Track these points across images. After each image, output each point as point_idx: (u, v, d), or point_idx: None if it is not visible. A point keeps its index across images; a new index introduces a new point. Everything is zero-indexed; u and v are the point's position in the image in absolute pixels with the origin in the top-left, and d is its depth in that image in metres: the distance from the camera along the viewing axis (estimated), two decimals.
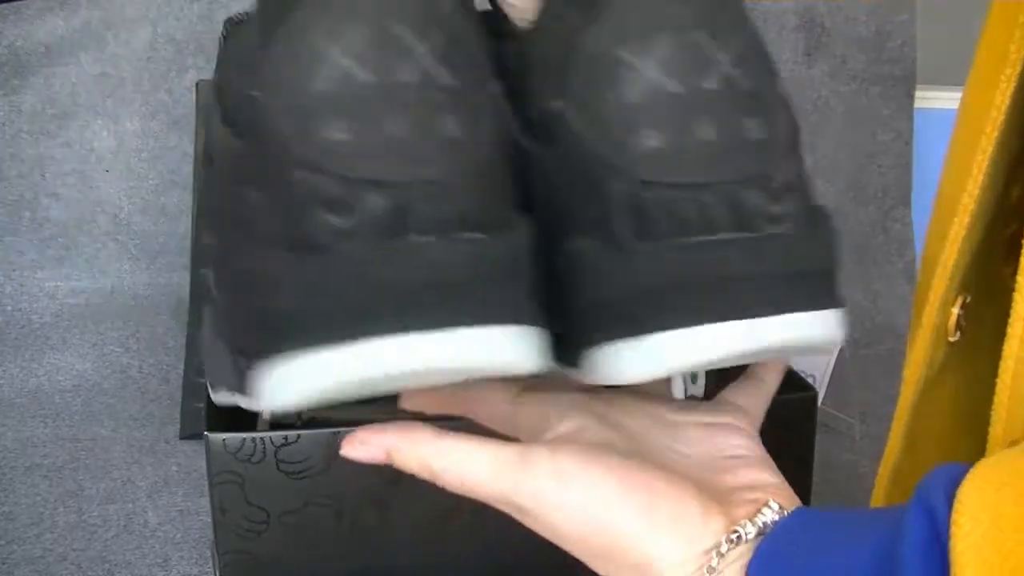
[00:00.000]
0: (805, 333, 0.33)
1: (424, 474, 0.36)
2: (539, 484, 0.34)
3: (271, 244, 0.31)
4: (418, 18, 0.31)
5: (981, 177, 0.38)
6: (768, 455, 0.38)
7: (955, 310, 0.40)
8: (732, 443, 0.38)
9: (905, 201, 1.16)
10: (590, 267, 0.34)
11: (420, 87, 0.31)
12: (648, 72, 0.33)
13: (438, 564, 0.64)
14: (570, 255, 0.35)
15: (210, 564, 0.69)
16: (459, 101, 0.31)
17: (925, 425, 0.43)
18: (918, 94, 1.15)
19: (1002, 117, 0.37)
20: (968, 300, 0.41)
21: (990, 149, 0.38)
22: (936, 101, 1.15)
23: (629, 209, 0.33)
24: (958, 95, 0.43)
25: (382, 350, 0.30)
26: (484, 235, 0.31)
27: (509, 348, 0.31)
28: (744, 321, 0.33)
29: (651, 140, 0.33)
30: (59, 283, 1.03)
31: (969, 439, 0.41)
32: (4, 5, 1.01)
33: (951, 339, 0.41)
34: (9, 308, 1.01)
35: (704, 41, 0.33)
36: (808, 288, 0.34)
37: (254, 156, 0.32)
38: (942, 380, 0.42)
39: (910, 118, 1.15)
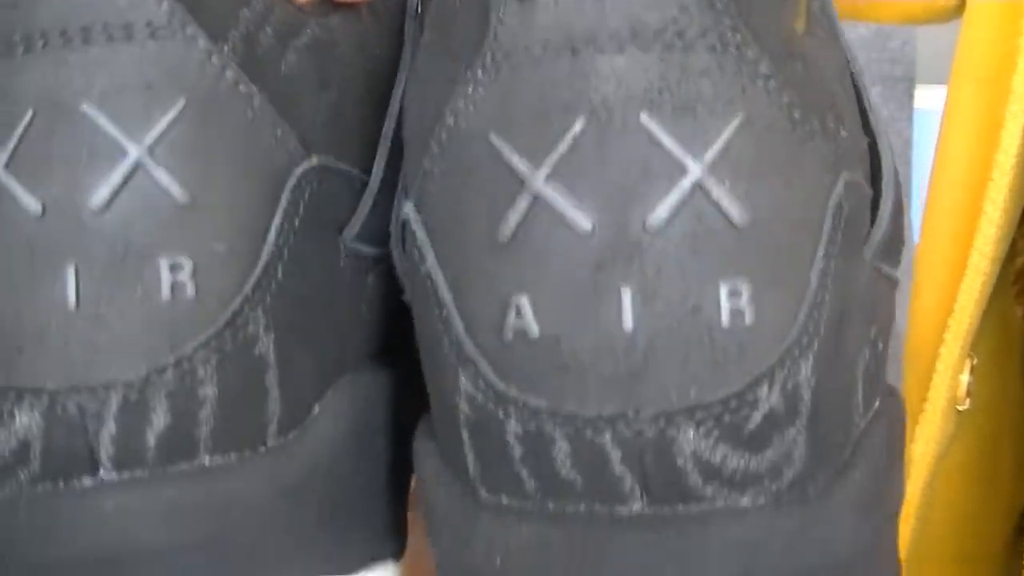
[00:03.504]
0: None
1: None
2: None
3: None
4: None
5: (994, 231, 0.33)
6: None
7: (964, 377, 0.36)
8: None
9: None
10: (431, 488, 0.21)
11: None
12: (536, 182, 0.18)
13: None
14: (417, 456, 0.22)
15: None
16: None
17: (937, 502, 0.39)
18: (918, 94, 1.15)
19: (1012, 161, 0.32)
20: (975, 362, 0.36)
21: (1001, 198, 0.33)
22: (936, 101, 1.15)
23: (479, 432, 0.19)
24: None
25: None
26: (236, 455, 0.21)
27: None
28: None
29: (523, 317, 0.18)
30: None
31: (981, 512, 0.39)
32: None
33: (960, 408, 0.36)
34: None
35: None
36: None
37: None
38: (950, 452, 0.38)
39: (910, 118, 1.15)
